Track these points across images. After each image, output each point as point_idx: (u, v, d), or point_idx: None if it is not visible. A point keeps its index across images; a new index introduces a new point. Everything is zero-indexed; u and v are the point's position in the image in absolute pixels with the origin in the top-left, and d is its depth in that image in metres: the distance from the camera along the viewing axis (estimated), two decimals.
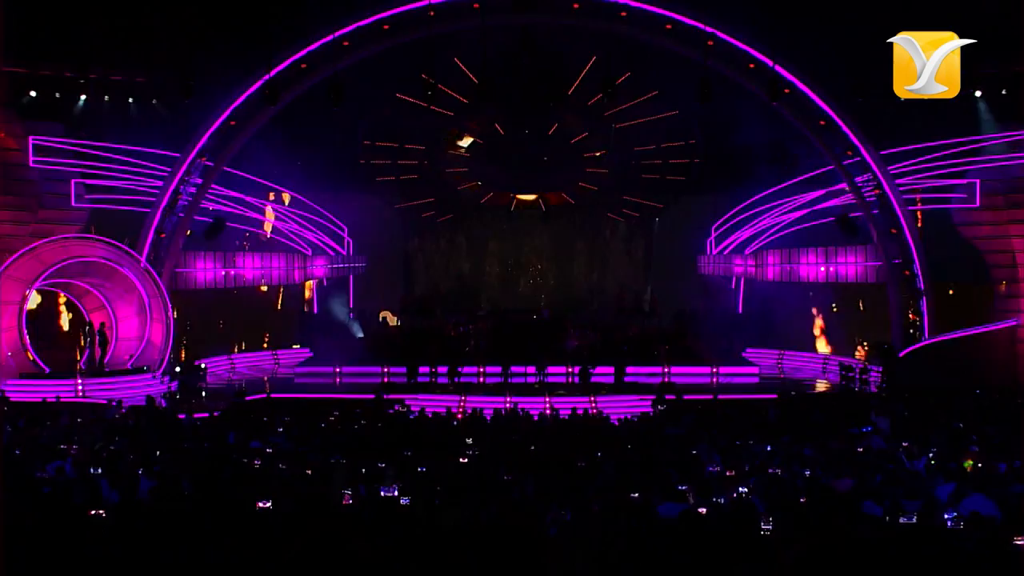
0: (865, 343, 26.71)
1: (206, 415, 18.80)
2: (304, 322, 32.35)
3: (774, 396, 21.59)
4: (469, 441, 13.80)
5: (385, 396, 21.61)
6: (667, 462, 11.53)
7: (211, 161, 25.00)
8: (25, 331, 22.57)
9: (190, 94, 19.86)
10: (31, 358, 22.67)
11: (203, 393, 23.71)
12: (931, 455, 11.81)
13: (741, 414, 18.32)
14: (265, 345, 30.92)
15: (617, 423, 18.06)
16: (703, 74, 19.56)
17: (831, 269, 28.24)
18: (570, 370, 24.64)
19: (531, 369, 24.34)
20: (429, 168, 33.05)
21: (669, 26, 23.44)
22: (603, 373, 24.24)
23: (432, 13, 22.55)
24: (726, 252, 32.23)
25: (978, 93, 23.95)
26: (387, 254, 34.73)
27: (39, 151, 23.53)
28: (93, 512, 7.57)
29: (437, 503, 8.58)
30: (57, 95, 24.47)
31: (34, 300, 23.95)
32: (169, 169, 24.63)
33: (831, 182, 27.12)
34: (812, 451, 12.47)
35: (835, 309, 29.55)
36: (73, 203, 24.18)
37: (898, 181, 24.69)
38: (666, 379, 25.13)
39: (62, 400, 20.01)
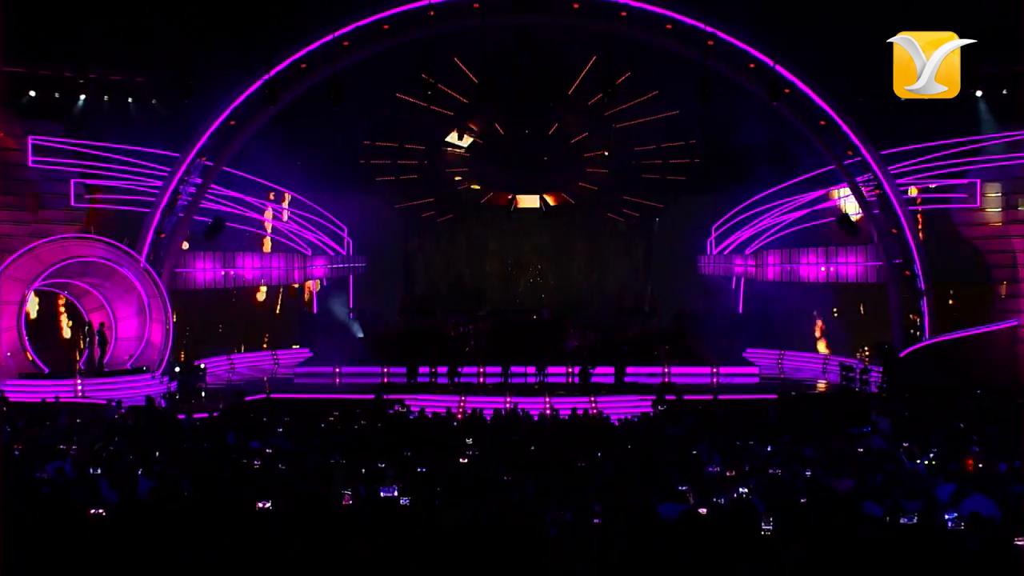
0: (866, 348, 26.68)
1: (205, 415, 18.79)
2: (304, 322, 32.34)
3: (774, 396, 21.59)
4: (469, 441, 13.80)
5: (385, 396, 21.61)
6: (667, 462, 11.53)
7: (211, 161, 24.97)
8: (24, 331, 22.57)
9: (190, 94, 19.84)
10: (30, 358, 22.66)
11: (203, 393, 23.70)
12: (931, 455, 11.80)
13: (741, 414, 18.32)
14: (265, 345, 30.91)
15: (617, 423, 18.06)
16: (703, 74, 19.55)
17: (831, 269, 28.24)
18: (570, 370, 24.63)
19: (531, 369, 24.33)
20: (429, 168, 33.04)
21: (669, 26, 23.41)
22: (603, 373, 24.22)
23: (432, 13, 22.52)
24: (726, 252, 32.21)
25: (979, 93, 23.95)
26: (387, 254, 34.70)
27: (38, 151, 23.52)
28: (93, 511, 7.56)
29: (437, 503, 8.57)
30: (57, 95, 24.48)
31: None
32: (169, 169, 24.60)
33: (831, 182, 27.13)
34: (812, 451, 12.46)
35: (836, 314, 29.47)
36: (72, 203, 24.17)
37: (898, 181, 24.69)
38: (666, 379, 25.12)
39: (61, 400, 20.01)
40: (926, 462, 11.45)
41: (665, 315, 31.22)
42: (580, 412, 18.78)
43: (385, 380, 24.85)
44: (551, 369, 24.36)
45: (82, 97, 24.79)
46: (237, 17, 22.81)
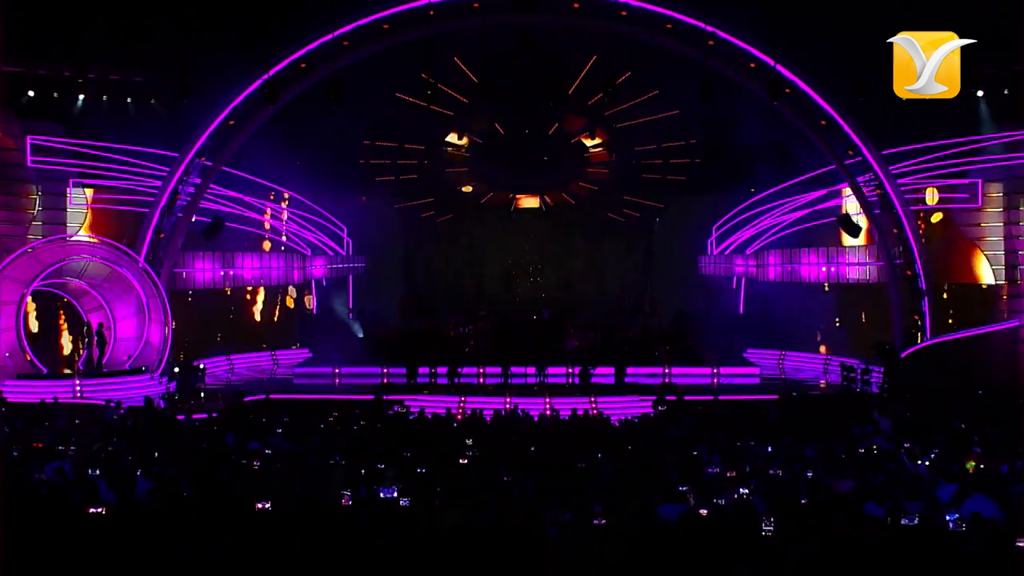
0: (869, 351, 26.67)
1: (205, 416, 18.76)
2: (304, 322, 32.32)
3: (775, 397, 21.58)
4: (469, 442, 13.77)
5: (385, 397, 21.57)
6: (668, 463, 11.52)
7: (210, 161, 24.95)
8: (23, 332, 22.54)
9: (189, 94, 19.79)
10: (29, 359, 22.63)
11: (202, 394, 23.68)
12: (932, 456, 11.79)
13: (742, 415, 18.31)
14: (264, 345, 30.88)
15: (617, 424, 18.02)
16: (703, 74, 19.53)
17: (832, 269, 28.21)
18: (570, 371, 24.60)
19: (531, 370, 24.30)
20: (429, 168, 33.03)
21: (669, 25, 23.39)
22: (603, 374, 24.20)
23: (432, 13, 22.52)
24: (727, 252, 32.20)
25: (979, 93, 23.93)
26: (387, 254, 34.71)
27: (37, 151, 23.48)
28: (92, 511, 7.55)
29: (437, 504, 8.55)
30: (55, 95, 24.41)
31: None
32: (168, 169, 24.57)
33: (832, 182, 27.10)
34: (813, 452, 12.45)
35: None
36: (71, 203, 24.14)
37: (899, 181, 24.67)
38: (666, 380, 25.08)
39: (60, 401, 19.98)
40: (927, 463, 11.44)
41: (665, 315, 31.20)
42: (580, 413, 18.75)
43: (385, 380, 24.83)
44: (551, 369, 24.33)
45: (81, 97, 24.75)
46: (236, 17, 22.79)
